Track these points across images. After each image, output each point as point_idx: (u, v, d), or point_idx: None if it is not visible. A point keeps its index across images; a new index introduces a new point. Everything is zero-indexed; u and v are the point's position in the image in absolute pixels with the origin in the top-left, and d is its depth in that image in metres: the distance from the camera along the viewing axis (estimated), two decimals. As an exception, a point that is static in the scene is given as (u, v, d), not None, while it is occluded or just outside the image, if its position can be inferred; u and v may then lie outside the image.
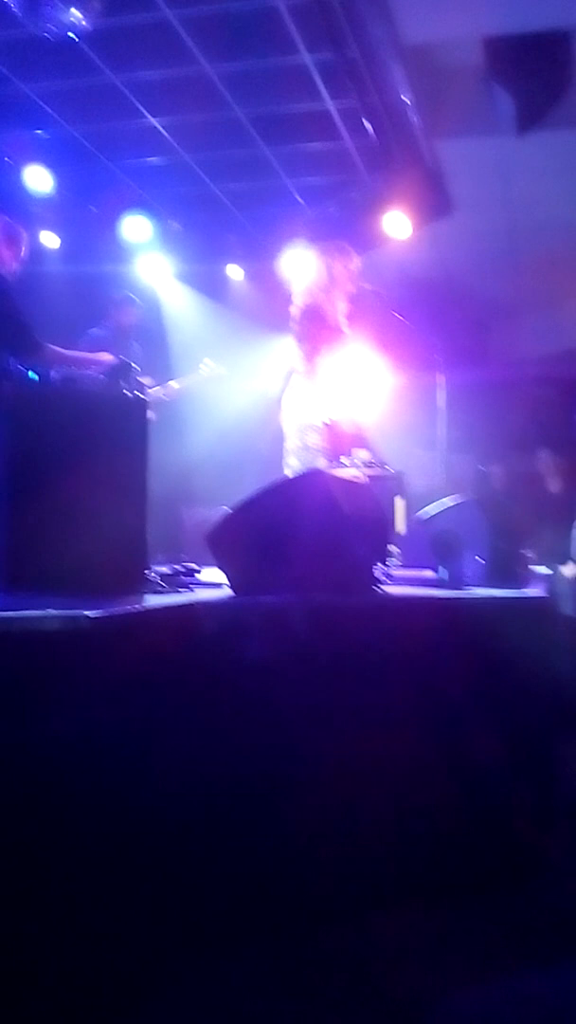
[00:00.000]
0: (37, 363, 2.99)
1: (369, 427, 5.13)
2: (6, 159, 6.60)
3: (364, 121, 6.04)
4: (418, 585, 3.52)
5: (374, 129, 6.09)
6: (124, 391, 3.14)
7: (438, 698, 2.69)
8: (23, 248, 4.19)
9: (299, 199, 7.56)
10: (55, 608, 2.21)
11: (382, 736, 2.56)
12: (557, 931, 2.46)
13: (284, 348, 5.80)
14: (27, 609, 2.24)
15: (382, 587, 3.16)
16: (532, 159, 6.27)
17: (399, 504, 5.33)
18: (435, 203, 7.02)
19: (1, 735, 1.96)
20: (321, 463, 4.56)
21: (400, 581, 3.53)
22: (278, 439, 5.80)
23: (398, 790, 2.58)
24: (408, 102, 5.77)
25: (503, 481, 7.59)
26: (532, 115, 5.61)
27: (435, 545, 3.74)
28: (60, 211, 7.01)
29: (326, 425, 4.64)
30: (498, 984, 2.21)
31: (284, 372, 5.90)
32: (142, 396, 3.24)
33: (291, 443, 4.74)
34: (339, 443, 4.80)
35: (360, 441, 5.08)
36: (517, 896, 2.61)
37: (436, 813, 2.63)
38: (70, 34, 4.72)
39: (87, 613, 2.14)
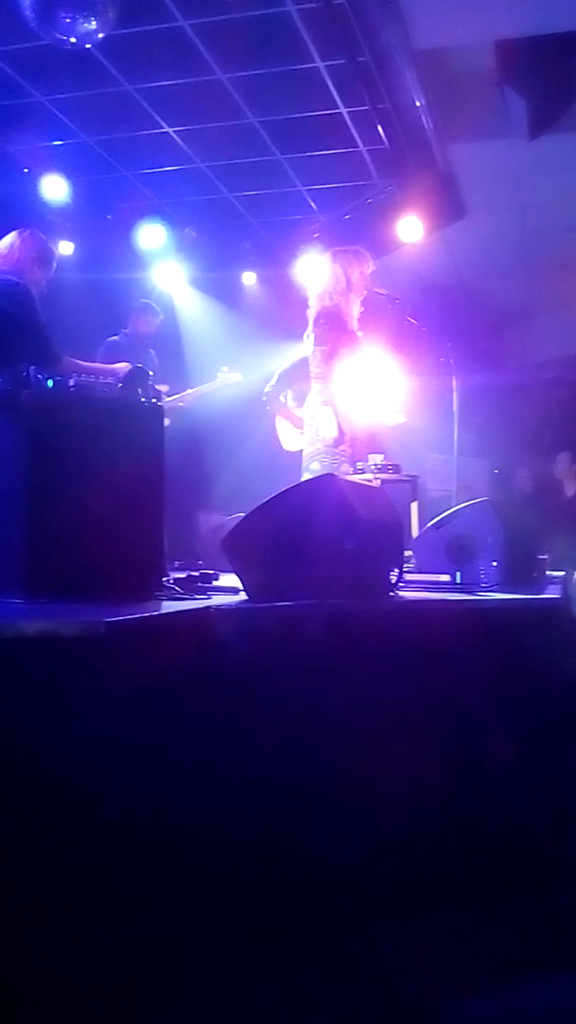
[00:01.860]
0: (56, 374, 3.03)
1: (384, 431, 5.14)
2: (23, 169, 6.66)
3: (377, 126, 6.06)
4: (433, 589, 3.53)
5: (387, 134, 6.11)
6: (140, 398, 3.16)
7: (453, 702, 2.69)
8: (53, 266, 4.24)
9: (313, 205, 7.59)
10: (72, 614, 2.23)
11: (398, 741, 2.56)
12: (574, 936, 2.45)
13: (297, 353, 5.84)
14: (44, 615, 2.27)
15: (397, 592, 3.16)
16: (545, 162, 6.27)
17: (414, 508, 5.34)
18: (448, 207, 7.03)
19: (19, 740, 1.98)
20: (337, 468, 4.57)
21: (415, 585, 3.53)
22: (273, 438, 5.82)
23: (414, 794, 2.59)
24: (421, 107, 5.79)
25: (526, 484, 7.58)
26: (545, 118, 5.62)
27: (450, 549, 3.75)
28: (76, 219, 7.06)
29: (341, 430, 4.66)
30: (514, 990, 2.20)
31: (278, 371, 5.93)
32: (158, 403, 3.26)
33: (310, 447, 4.76)
34: (355, 447, 4.81)
35: (375, 446, 5.09)
36: (533, 901, 2.61)
37: (452, 818, 2.63)
38: (85, 44, 4.77)
39: (104, 619, 2.16)
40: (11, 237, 4.18)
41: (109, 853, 2.04)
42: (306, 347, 5.52)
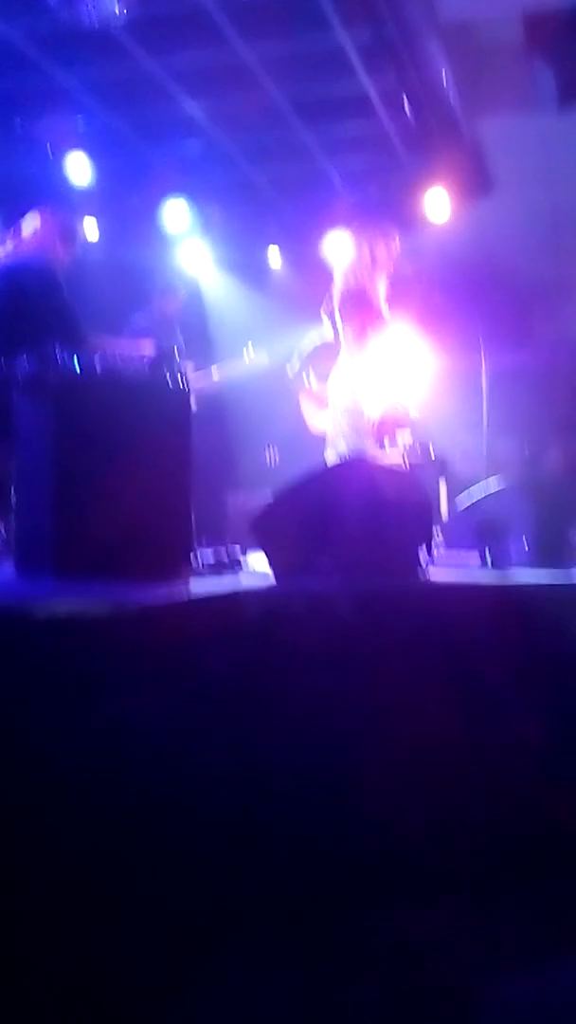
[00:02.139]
0: (82, 354, 3.03)
1: (412, 411, 5.10)
2: (47, 149, 6.64)
3: (403, 102, 5.98)
4: (462, 569, 3.51)
5: (413, 109, 6.03)
6: (167, 378, 3.16)
7: (483, 684, 2.68)
8: (76, 244, 4.24)
9: (338, 182, 7.51)
10: (101, 594, 2.23)
11: (426, 723, 2.55)
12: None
13: (325, 332, 5.79)
14: (74, 596, 2.27)
15: (426, 572, 3.15)
16: (574, 135, 6.16)
17: (442, 488, 5.30)
18: (476, 182, 6.95)
19: (49, 720, 1.99)
20: (365, 447, 4.54)
21: (444, 565, 3.51)
22: (298, 418, 5.79)
23: (442, 777, 2.58)
24: (447, 80, 5.71)
25: (556, 464, 7.49)
26: (573, 90, 5.52)
27: (479, 529, 3.72)
28: (101, 199, 7.04)
29: (370, 409, 4.63)
30: (546, 969, 2.20)
31: (302, 351, 5.90)
32: (185, 383, 3.26)
33: (335, 428, 4.73)
34: (383, 427, 4.78)
35: (403, 425, 5.06)
36: (562, 884, 2.59)
37: (480, 800, 2.62)
38: (109, 24, 4.74)
39: (133, 600, 2.16)
40: (35, 217, 4.18)
41: (135, 836, 2.05)
42: (325, 326, 5.48)
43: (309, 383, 5.78)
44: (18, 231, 4.19)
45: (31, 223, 4.17)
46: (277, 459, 6.64)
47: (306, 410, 5.86)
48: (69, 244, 4.20)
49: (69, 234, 4.23)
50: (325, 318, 5.85)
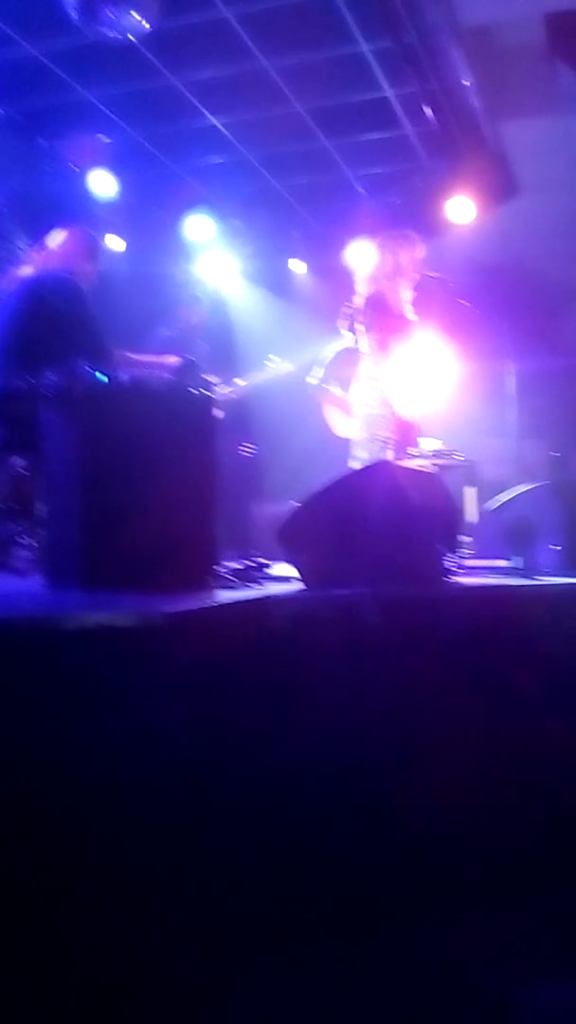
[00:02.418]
0: (107, 369, 3.05)
1: (437, 417, 5.08)
2: (71, 165, 6.71)
3: (425, 108, 5.98)
4: (491, 575, 3.48)
5: (435, 115, 6.03)
6: (191, 389, 3.17)
7: (512, 690, 2.65)
8: (100, 259, 4.30)
9: (361, 190, 7.52)
10: (128, 604, 2.23)
11: (454, 729, 2.53)
12: None
13: (344, 340, 5.79)
14: (102, 606, 2.28)
15: (454, 578, 3.12)
16: (598, 137, 6.13)
17: (470, 493, 5.26)
18: (499, 186, 6.92)
19: (77, 731, 1.99)
20: (390, 454, 4.52)
21: (473, 571, 3.48)
22: (323, 427, 5.78)
23: (471, 783, 2.55)
24: (468, 85, 5.70)
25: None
26: (597, 92, 5.49)
27: (508, 533, 3.69)
28: (125, 214, 7.10)
29: (394, 415, 4.61)
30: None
31: (325, 359, 5.90)
32: (209, 394, 3.26)
33: (358, 434, 4.72)
34: (407, 433, 4.76)
35: (425, 432, 5.03)
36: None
37: (509, 807, 2.59)
38: (129, 37, 4.78)
39: (162, 609, 2.16)
40: (59, 233, 4.23)
41: (163, 844, 2.04)
42: (346, 335, 5.46)
43: (333, 391, 5.78)
44: (44, 246, 4.23)
45: (56, 238, 4.22)
46: (301, 469, 6.64)
47: (332, 418, 5.86)
48: (93, 259, 4.25)
49: (94, 249, 4.28)
50: (344, 330, 5.85)
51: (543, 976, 2.16)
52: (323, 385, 5.79)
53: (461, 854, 2.49)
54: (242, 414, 6.31)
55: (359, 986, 2.12)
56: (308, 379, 5.90)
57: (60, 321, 3.86)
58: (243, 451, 6.47)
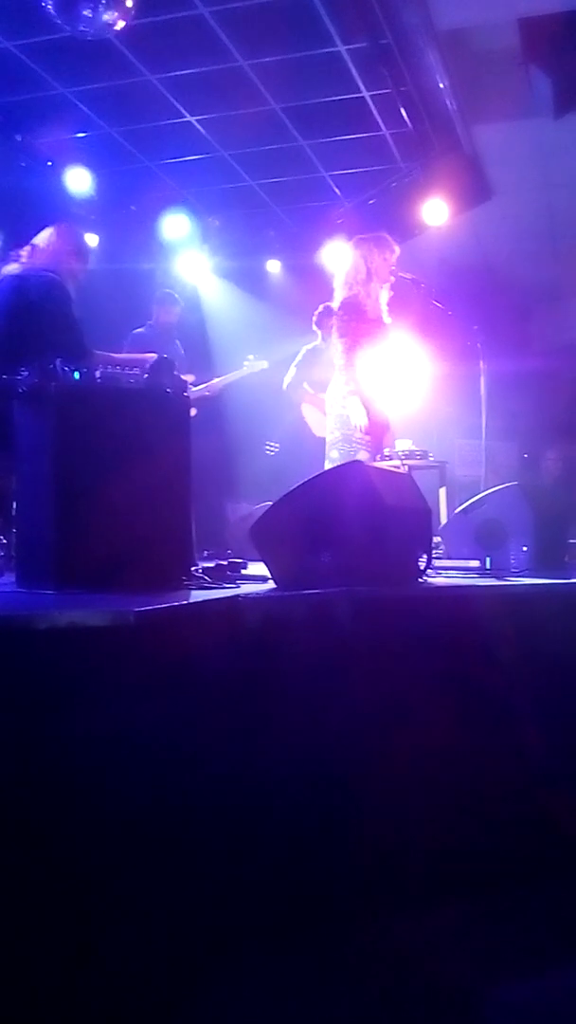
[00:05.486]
0: (85, 367, 3.05)
1: (410, 418, 5.12)
2: (47, 162, 6.68)
3: (400, 109, 6.02)
4: (463, 575, 3.51)
5: (410, 117, 6.07)
6: (165, 388, 3.17)
7: (483, 689, 2.68)
8: (88, 259, 4.29)
9: (337, 191, 7.55)
10: (101, 604, 2.24)
11: (426, 728, 2.56)
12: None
13: (308, 343, 5.85)
14: (75, 605, 2.28)
15: (426, 578, 3.16)
16: (571, 141, 6.19)
17: (442, 494, 5.31)
18: (473, 189, 6.98)
19: (48, 730, 2.00)
20: (363, 455, 4.55)
21: (445, 572, 3.52)
22: (298, 427, 5.82)
23: (445, 782, 2.58)
24: (444, 88, 5.74)
25: (555, 468, 7.51)
26: (570, 97, 5.56)
27: (479, 534, 3.73)
28: (100, 211, 7.08)
29: (367, 417, 4.62)
30: (549, 976, 2.20)
31: (296, 358, 5.94)
32: (183, 393, 3.27)
33: (332, 435, 4.74)
34: (380, 434, 4.79)
35: (395, 432, 5.07)
36: (567, 887, 2.60)
37: (480, 805, 2.63)
38: (106, 35, 4.77)
39: (133, 608, 2.17)
40: (48, 231, 4.21)
41: (136, 843, 2.05)
42: (317, 337, 5.50)
43: (309, 390, 5.82)
44: (32, 245, 4.20)
45: (45, 236, 4.19)
46: (277, 468, 6.67)
47: (309, 417, 5.89)
48: (81, 258, 4.23)
49: (82, 249, 4.26)
50: (316, 329, 5.89)
51: (509, 976, 2.19)
52: (298, 386, 5.84)
53: (431, 853, 2.52)
54: (217, 413, 6.32)
55: (319, 984, 2.14)
56: (285, 379, 5.93)
57: (39, 320, 3.85)
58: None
